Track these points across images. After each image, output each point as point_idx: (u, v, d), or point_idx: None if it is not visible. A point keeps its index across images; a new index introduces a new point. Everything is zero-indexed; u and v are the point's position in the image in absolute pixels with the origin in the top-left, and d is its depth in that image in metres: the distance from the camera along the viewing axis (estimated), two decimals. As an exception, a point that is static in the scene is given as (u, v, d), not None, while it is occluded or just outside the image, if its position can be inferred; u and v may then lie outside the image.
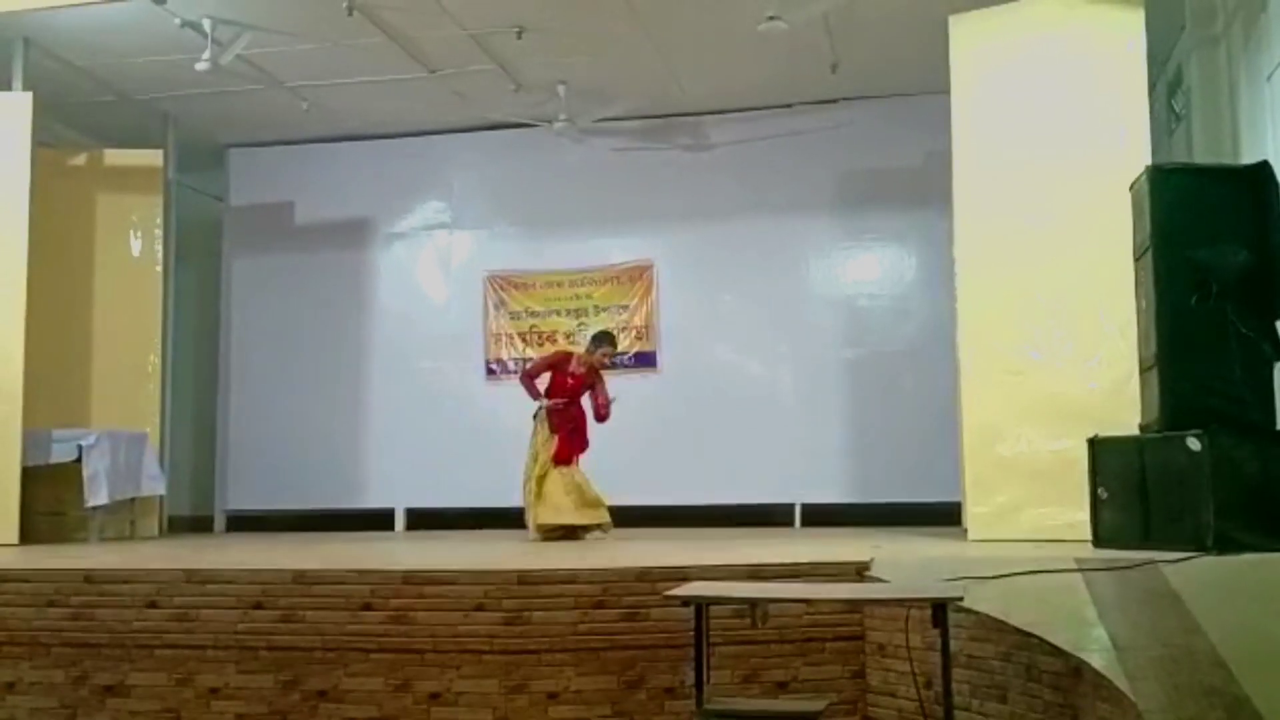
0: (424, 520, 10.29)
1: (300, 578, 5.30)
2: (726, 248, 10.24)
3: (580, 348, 8.83)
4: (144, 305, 9.68)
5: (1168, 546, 5.38)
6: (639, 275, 10.46)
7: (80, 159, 9.87)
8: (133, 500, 8.92)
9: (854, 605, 4.90)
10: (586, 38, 8.80)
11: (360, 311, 10.87)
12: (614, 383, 8.30)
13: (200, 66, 8.41)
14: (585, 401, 8.15)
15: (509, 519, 8.39)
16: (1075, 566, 5.00)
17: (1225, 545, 5.33)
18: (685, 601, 4.00)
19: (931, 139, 8.39)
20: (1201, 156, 7.44)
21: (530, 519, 7.93)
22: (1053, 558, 5.26)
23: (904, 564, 5.37)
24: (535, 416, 8.11)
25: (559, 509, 7.80)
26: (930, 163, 8.80)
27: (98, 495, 8.35)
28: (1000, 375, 7.03)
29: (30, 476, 8.23)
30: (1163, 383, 5.84)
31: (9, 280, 8.23)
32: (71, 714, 5.35)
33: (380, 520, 10.31)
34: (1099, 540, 6.03)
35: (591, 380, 8.12)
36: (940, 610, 3.69)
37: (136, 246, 9.77)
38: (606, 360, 8.28)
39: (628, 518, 8.12)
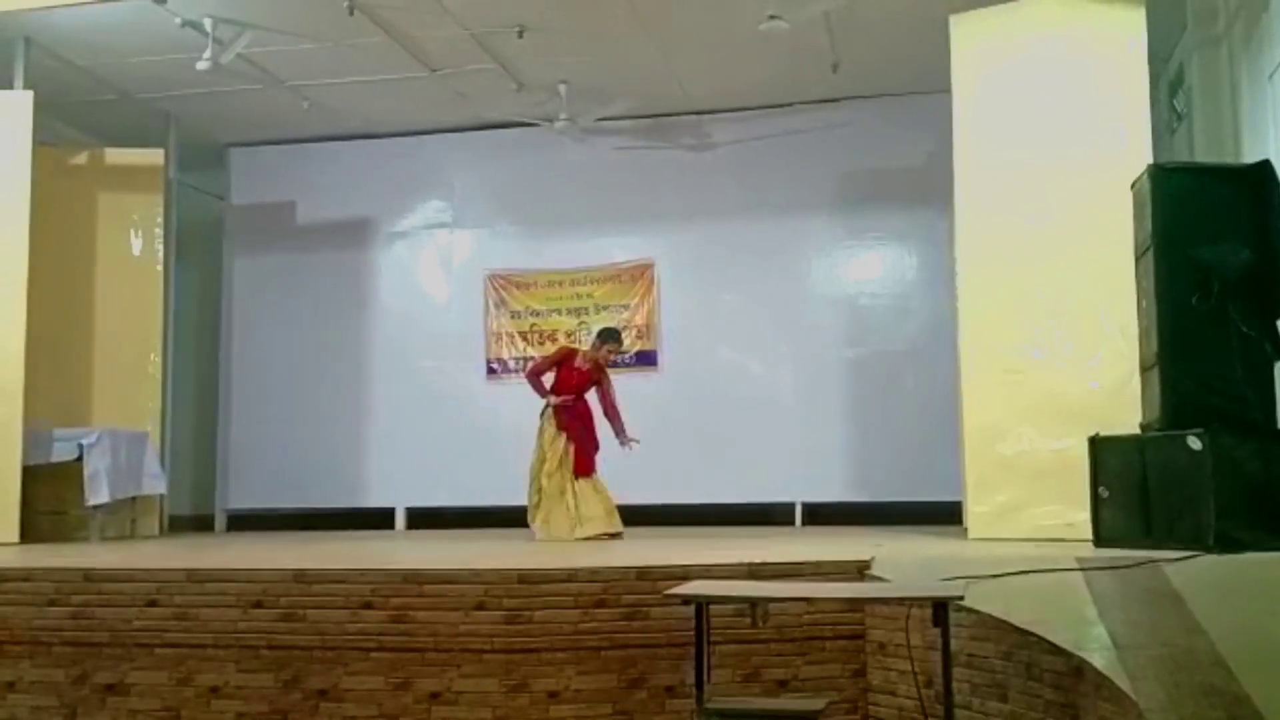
0: (424, 519, 10.29)
1: (300, 577, 5.29)
2: (727, 247, 10.25)
3: (584, 345, 8.85)
4: (145, 304, 9.68)
5: (1169, 546, 5.38)
6: (640, 274, 10.46)
7: (81, 158, 9.87)
8: (133, 499, 8.92)
9: (855, 604, 4.90)
10: (587, 37, 8.80)
11: (361, 311, 10.87)
12: (614, 382, 8.30)
13: (201, 66, 8.41)
14: (591, 397, 8.16)
15: (510, 518, 8.40)
16: (1076, 566, 5.00)
17: (1226, 544, 5.33)
18: (686, 600, 3.99)
19: (932, 139, 8.41)
20: (1203, 156, 7.44)
21: (534, 518, 7.92)
22: (1053, 557, 5.26)
23: (905, 563, 5.36)
24: (542, 414, 8.11)
25: (593, 520, 7.82)
26: (931, 162, 8.80)
27: (98, 494, 8.35)
28: (1001, 375, 7.03)
29: (31, 475, 8.23)
30: (1164, 382, 5.84)
31: (9, 279, 8.22)
32: (72, 713, 5.34)
33: (381, 519, 10.32)
34: (1100, 539, 6.03)
35: (597, 376, 8.15)
36: (941, 609, 3.69)
37: (137, 245, 9.77)
38: (611, 356, 8.30)
39: (629, 517, 8.11)
